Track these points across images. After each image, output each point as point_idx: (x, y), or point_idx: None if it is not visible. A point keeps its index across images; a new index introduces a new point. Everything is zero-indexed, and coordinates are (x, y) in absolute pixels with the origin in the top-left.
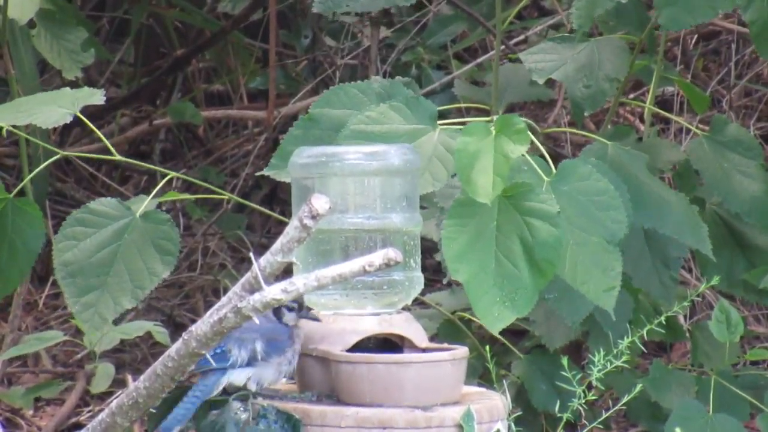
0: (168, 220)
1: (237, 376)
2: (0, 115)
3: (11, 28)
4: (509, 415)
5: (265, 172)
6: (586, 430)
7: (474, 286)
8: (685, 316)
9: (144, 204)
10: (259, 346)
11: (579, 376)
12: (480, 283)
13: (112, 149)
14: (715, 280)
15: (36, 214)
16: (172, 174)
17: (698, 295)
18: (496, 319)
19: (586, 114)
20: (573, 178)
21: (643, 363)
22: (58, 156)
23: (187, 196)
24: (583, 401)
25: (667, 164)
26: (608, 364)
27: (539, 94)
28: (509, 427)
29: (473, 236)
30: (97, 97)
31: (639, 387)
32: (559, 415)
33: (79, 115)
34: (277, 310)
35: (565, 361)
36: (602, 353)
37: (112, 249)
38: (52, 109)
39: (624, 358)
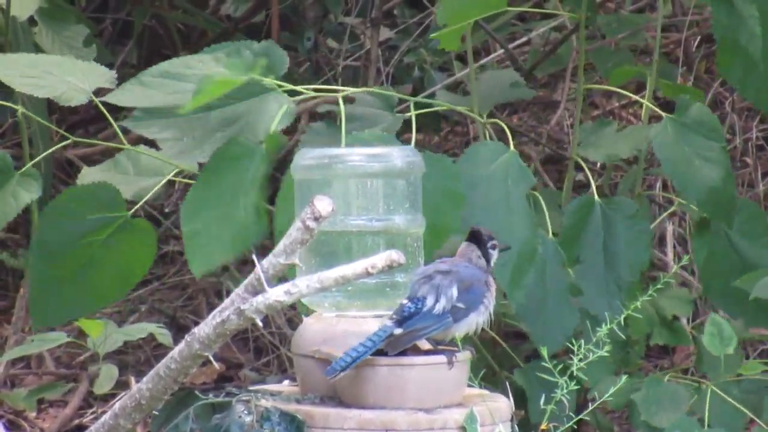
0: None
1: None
2: (7, 72)
3: (13, 28)
4: (512, 417)
5: (126, 123)
6: (571, 421)
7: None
8: (688, 319)
9: (140, 203)
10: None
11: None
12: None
13: (123, 137)
14: (685, 260)
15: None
16: (180, 165)
17: (700, 297)
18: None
19: None
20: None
21: (647, 365)
22: (69, 141)
23: (190, 181)
24: (565, 391)
25: (633, 150)
26: (590, 354)
27: (521, 94)
28: (512, 429)
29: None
30: (108, 77)
31: (624, 380)
32: (543, 407)
33: (94, 98)
34: (486, 252)
35: (544, 351)
36: (581, 344)
37: (92, 243)
38: (67, 83)
39: (606, 348)
